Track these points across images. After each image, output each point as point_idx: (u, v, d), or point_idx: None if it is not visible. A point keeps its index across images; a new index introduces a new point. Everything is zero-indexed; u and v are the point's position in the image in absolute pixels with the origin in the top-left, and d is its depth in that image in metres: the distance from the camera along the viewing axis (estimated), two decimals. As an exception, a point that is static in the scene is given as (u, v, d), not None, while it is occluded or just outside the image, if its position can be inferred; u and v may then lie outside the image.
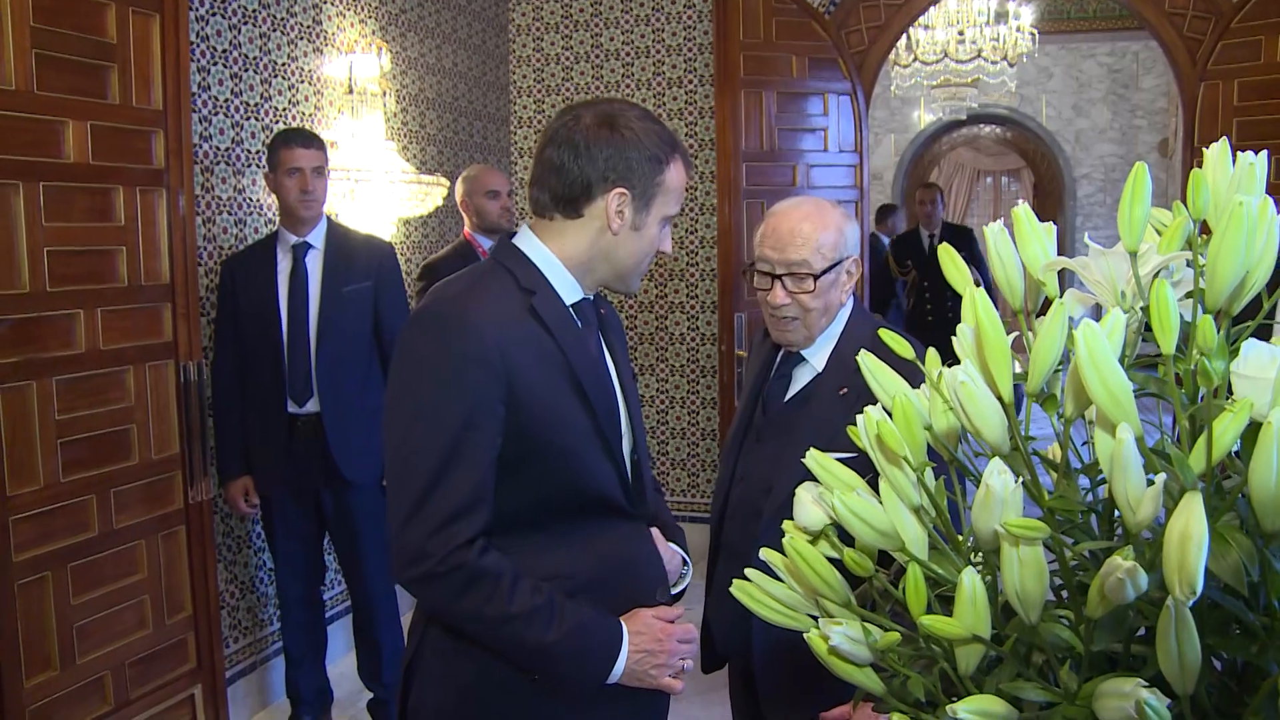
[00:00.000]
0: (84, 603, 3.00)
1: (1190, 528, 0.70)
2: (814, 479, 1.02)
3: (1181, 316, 0.86)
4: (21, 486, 2.80)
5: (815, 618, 1.00)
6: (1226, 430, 0.78)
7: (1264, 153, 0.96)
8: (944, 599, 0.95)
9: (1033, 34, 8.72)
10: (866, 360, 1.02)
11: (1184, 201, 0.93)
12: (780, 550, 1.01)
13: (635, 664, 1.70)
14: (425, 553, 1.58)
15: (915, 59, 8.46)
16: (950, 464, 1.00)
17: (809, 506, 1.03)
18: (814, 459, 1.00)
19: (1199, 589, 0.69)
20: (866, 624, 0.92)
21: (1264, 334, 0.89)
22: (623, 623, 1.71)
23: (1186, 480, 0.76)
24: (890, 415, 0.95)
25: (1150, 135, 11.29)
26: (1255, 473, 0.75)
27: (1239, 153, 0.94)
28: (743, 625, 2.08)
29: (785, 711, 2.03)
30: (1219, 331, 0.89)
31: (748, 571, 1.04)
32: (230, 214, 3.88)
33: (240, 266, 3.59)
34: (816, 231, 2.04)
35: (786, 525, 1.03)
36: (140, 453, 3.18)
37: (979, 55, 8.21)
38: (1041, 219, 1.05)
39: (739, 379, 5.09)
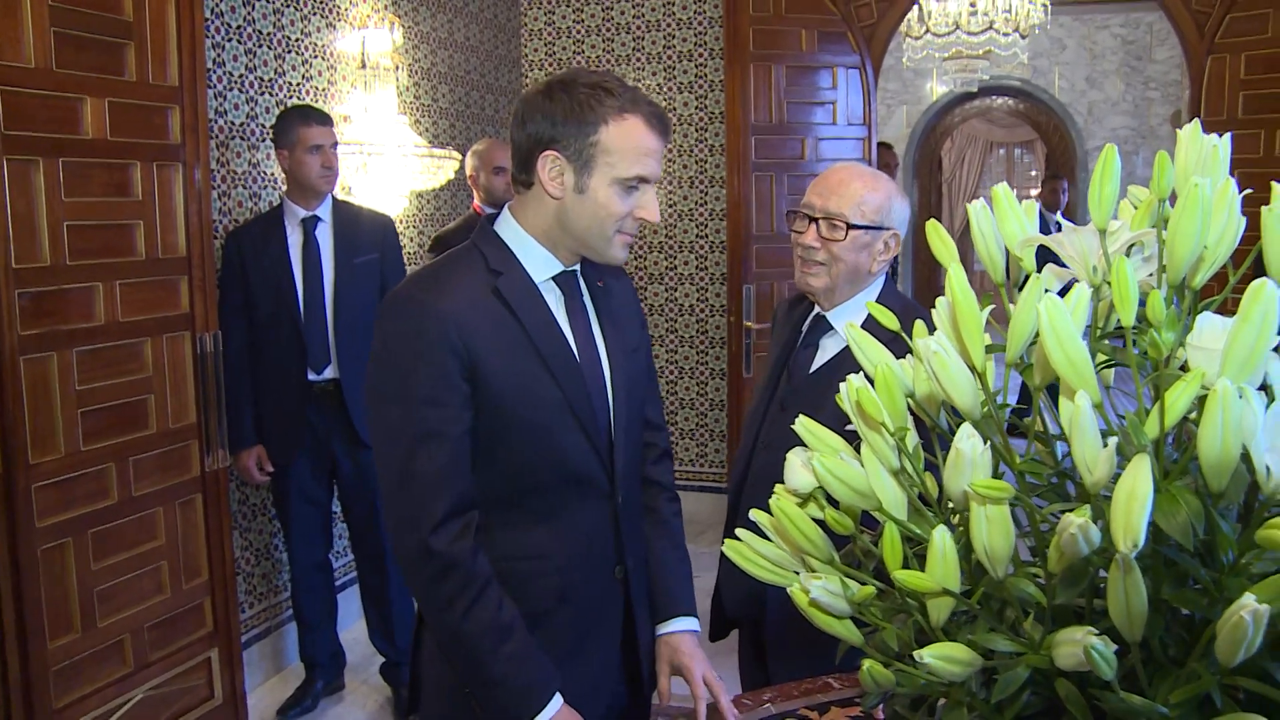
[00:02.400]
0: (104, 568, 3.07)
1: (1137, 486, 0.76)
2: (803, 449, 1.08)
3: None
4: (43, 455, 2.87)
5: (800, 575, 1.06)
6: (1179, 398, 0.83)
7: (1228, 134, 1.01)
8: (921, 558, 1.01)
9: (1045, 5, 8.68)
10: (851, 332, 1.08)
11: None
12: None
13: None
14: (403, 534, 1.67)
15: (927, 30, 8.43)
16: (932, 430, 1.06)
17: (799, 470, 1.08)
18: (802, 424, 1.05)
19: (1141, 542, 0.75)
20: (845, 578, 0.98)
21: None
22: (561, 702, 1.72)
23: (1137, 443, 0.81)
24: (873, 384, 1.01)
25: (1163, 107, 11.25)
26: (1203, 437, 0.80)
27: (1245, 127, 0.99)
28: (758, 589, 2.15)
29: (791, 671, 2.10)
30: (1181, 305, 0.94)
31: (738, 531, 1.10)
32: (245, 188, 3.94)
33: (249, 239, 3.65)
34: (864, 190, 2.11)
35: (776, 488, 1.08)
36: (158, 422, 3.25)
37: (991, 27, 8.17)
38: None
39: (747, 350, 5.14)
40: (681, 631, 1.94)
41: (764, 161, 5.25)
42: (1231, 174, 0.97)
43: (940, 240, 1.10)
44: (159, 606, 3.27)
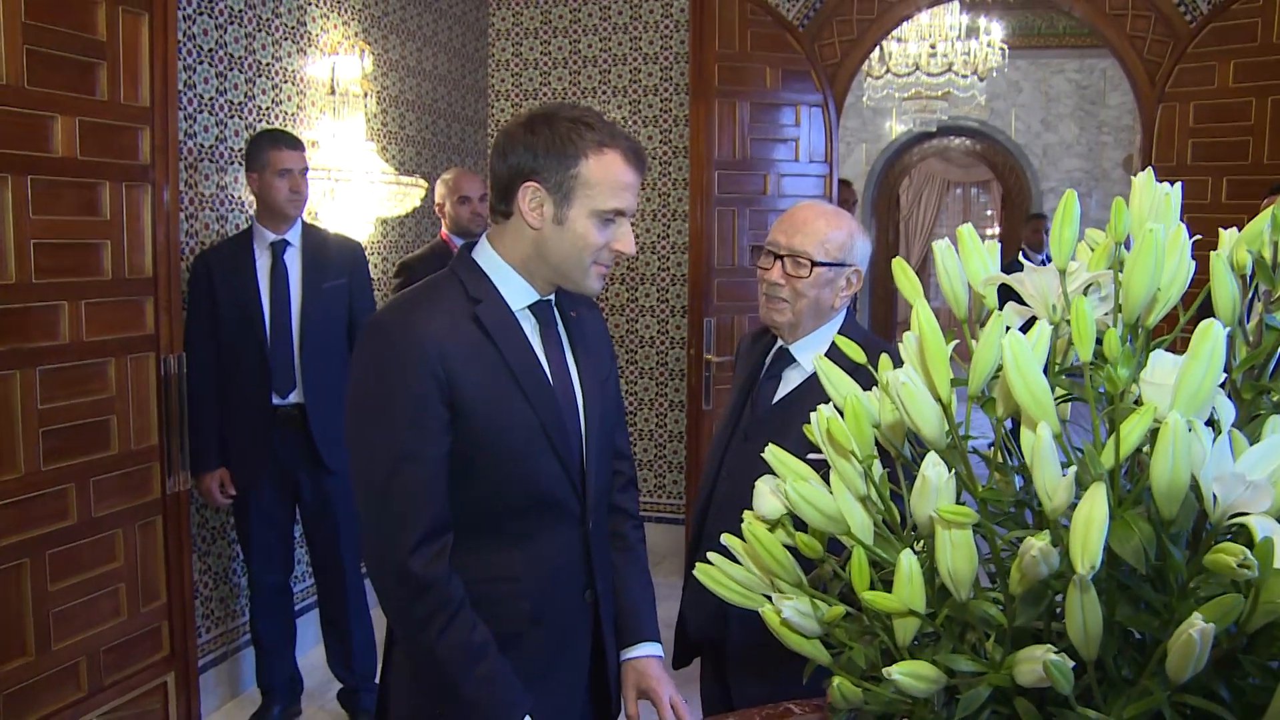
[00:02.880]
0: (61, 589, 3.05)
1: (1094, 512, 0.81)
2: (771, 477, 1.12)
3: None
4: (2, 474, 2.86)
5: (769, 597, 1.10)
6: (1133, 430, 0.88)
7: (1179, 183, 1.07)
8: (887, 582, 1.05)
9: (1003, 49, 8.88)
10: (821, 364, 1.12)
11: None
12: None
13: None
14: (380, 555, 1.70)
15: (888, 70, 8.60)
16: (897, 460, 1.11)
17: (767, 497, 1.12)
18: (772, 453, 1.10)
19: (1098, 564, 0.80)
20: (815, 600, 1.02)
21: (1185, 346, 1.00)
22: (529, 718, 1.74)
23: (1094, 472, 0.86)
24: (842, 415, 1.05)
25: (1116, 151, 11.50)
26: (1155, 467, 0.85)
27: (1193, 174, 1.05)
28: (720, 614, 2.19)
29: (753, 695, 2.13)
30: (1135, 343, 1.00)
31: (710, 555, 1.14)
32: (212, 210, 3.95)
33: (218, 262, 3.64)
34: (828, 228, 2.18)
35: (746, 515, 1.12)
36: (120, 443, 3.24)
37: (950, 69, 8.36)
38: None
39: (707, 383, 5.19)
40: (647, 656, 1.98)
41: (727, 196, 5.32)
42: (1182, 219, 1.03)
43: (906, 278, 1.15)
44: (116, 629, 3.25)
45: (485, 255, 1.82)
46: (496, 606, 1.76)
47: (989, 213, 16.85)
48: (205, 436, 3.61)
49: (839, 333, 2.22)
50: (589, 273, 1.78)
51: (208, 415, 3.62)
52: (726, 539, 1.13)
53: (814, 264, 2.15)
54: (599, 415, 1.88)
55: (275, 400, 3.61)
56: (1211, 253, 1.01)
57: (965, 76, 8.42)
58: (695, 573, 1.14)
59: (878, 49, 7.79)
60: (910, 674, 0.90)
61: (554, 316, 1.87)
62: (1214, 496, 0.87)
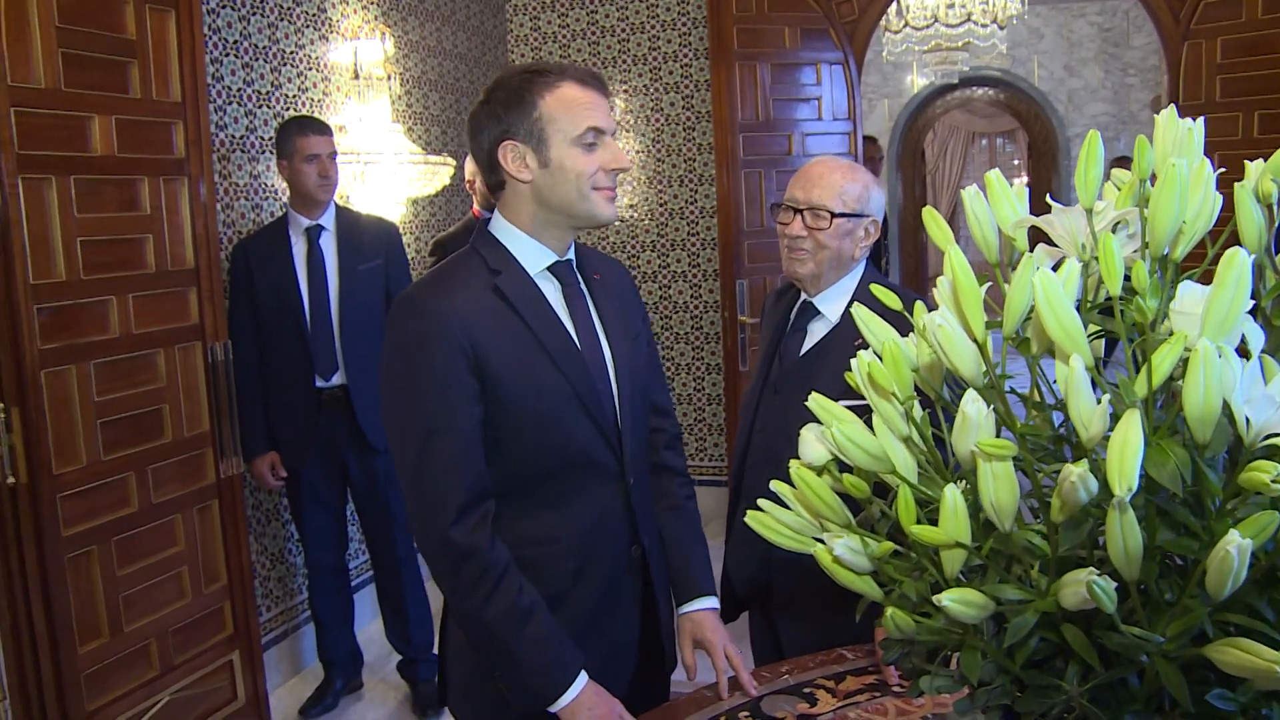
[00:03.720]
0: (128, 574, 3.15)
1: (1129, 436, 0.85)
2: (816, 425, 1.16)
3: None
4: (66, 465, 2.95)
5: (820, 541, 1.14)
6: (1165, 359, 0.92)
7: (1201, 119, 1.10)
8: (933, 520, 1.09)
9: (1022, -4, 8.79)
10: (859, 311, 1.16)
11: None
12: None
13: (576, 715, 1.77)
14: (423, 527, 1.77)
15: (906, 24, 8.53)
16: (937, 403, 1.15)
17: (813, 444, 1.17)
18: (815, 401, 1.14)
19: (1134, 486, 0.84)
20: (864, 538, 1.07)
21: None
22: (586, 678, 1.80)
23: (1127, 400, 0.90)
24: (881, 359, 1.09)
25: (1143, 93, 11.36)
26: (1187, 393, 0.89)
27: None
28: (764, 566, 2.25)
29: (803, 643, 2.19)
30: (1164, 276, 1.03)
31: (760, 503, 1.18)
32: (247, 199, 4.02)
33: (255, 250, 3.72)
34: (844, 180, 2.23)
35: (793, 463, 1.17)
36: (173, 431, 3.32)
37: (969, 19, 8.27)
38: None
39: (742, 344, 5.23)
40: (703, 609, 2.03)
41: (752, 158, 5.33)
42: (1210, 156, 1.06)
43: (936, 225, 1.19)
44: (181, 611, 3.35)
45: (499, 226, 1.88)
46: (542, 568, 1.81)
47: (1015, 162, 16.72)
48: (253, 421, 3.69)
49: (872, 283, 2.26)
50: (593, 200, 1.81)
51: (254, 400, 3.70)
52: (776, 485, 1.18)
53: (833, 216, 2.21)
54: (630, 373, 1.92)
55: (319, 383, 3.69)
56: (1236, 184, 1.04)
57: (985, 26, 8.33)
58: (747, 520, 1.18)
59: (895, 3, 7.73)
60: (960, 601, 0.95)
61: (575, 277, 1.91)
62: (1246, 420, 0.90)
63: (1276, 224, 1.07)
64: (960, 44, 9.15)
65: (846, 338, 2.20)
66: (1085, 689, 1.00)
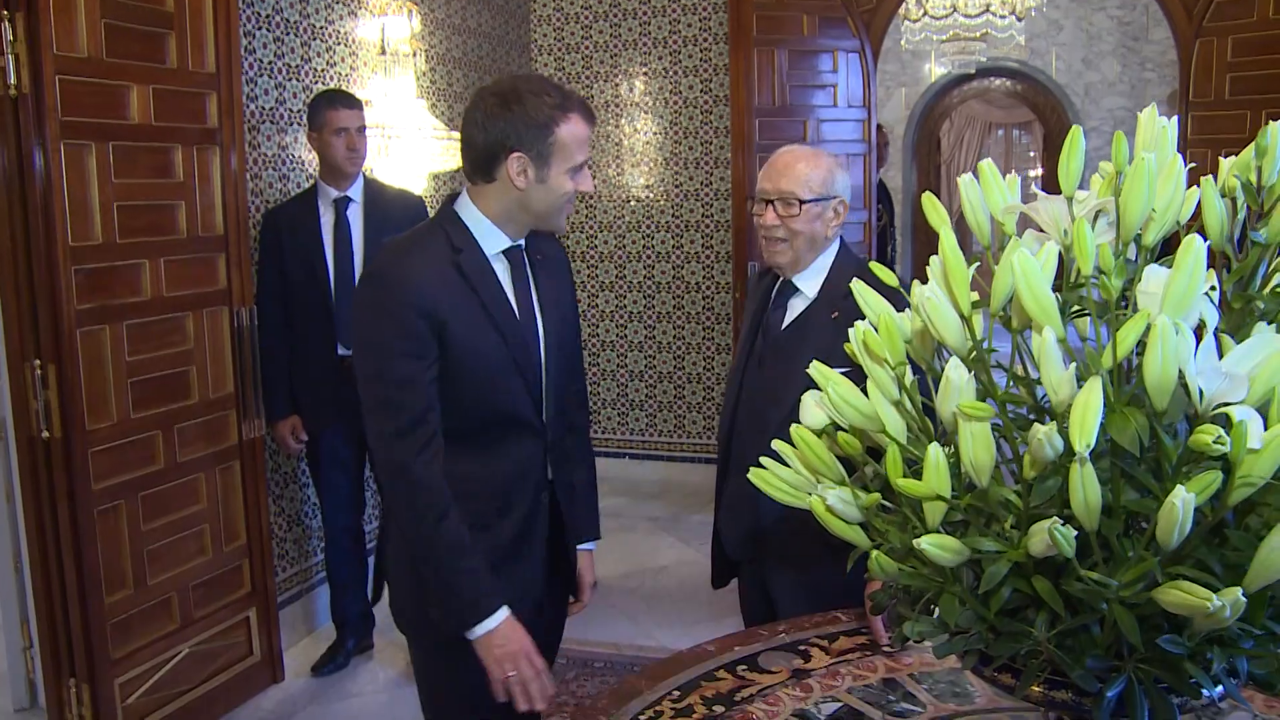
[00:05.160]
0: (153, 529, 3.28)
1: (1090, 399, 0.95)
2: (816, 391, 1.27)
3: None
4: (98, 422, 3.07)
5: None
6: (1129, 334, 1.02)
7: (1174, 118, 1.20)
8: (919, 477, 1.19)
9: (1042, -12, 8.83)
10: (858, 286, 1.26)
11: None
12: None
13: (486, 649, 2.02)
14: (386, 458, 2.02)
15: (925, 13, 8.59)
16: (928, 373, 1.25)
17: (812, 409, 1.27)
18: (816, 367, 1.24)
19: (1092, 442, 0.94)
20: (855, 491, 1.17)
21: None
22: (505, 613, 2.03)
23: (1092, 368, 1.00)
24: (876, 330, 1.20)
25: (1160, 88, 11.37)
26: (1147, 364, 0.99)
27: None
28: (755, 531, 2.38)
29: (794, 597, 2.32)
30: (1139, 259, 1.13)
31: (762, 460, 1.29)
32: (274, 170, 4.12)
33: (284, 219, 3.83)
34: (808, 169, 2.39)
35: (794, 427, 1.27)
36: (199, 392, 3.45)
37: (987, 9, 8.33)
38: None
39: (752, 326, 5.32)
40: (585, 550, 2.40)
41: (767, 143, 5.41)
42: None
43: (934, 209, 1.29)
44: (202, 567, 3.48)
45: (467, 210, 2.12)
46: (472, 501, 2.07)
47: (1031, 154, 16.72)
48: (276, 385, 3.81)
49: (834, 260, 2.45)
50: (562, 213, 2.13)
51: (278, 365, 3.81)
52: (777, 444, 1.28)
53: (802, 203, 2.36)
54: (557, 343, 2.20)
55: (341, 350, 3.80)
56: (1203, 178, 1.14)
57: (1003, 17, 8.39)
58: (750, 477, 1.29)
59: (914, -8, 7.81)
60: (936, 545, 1.05)
61: (523, 260, 2.17)
62: (1200, 390, 1.01)
63: (1241, 215, 1.17)
64: (978, 34, 9.21)
65: (823, 311, 2.39)
66: (1052, 634, 1.10)
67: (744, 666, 1.89)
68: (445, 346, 2.01)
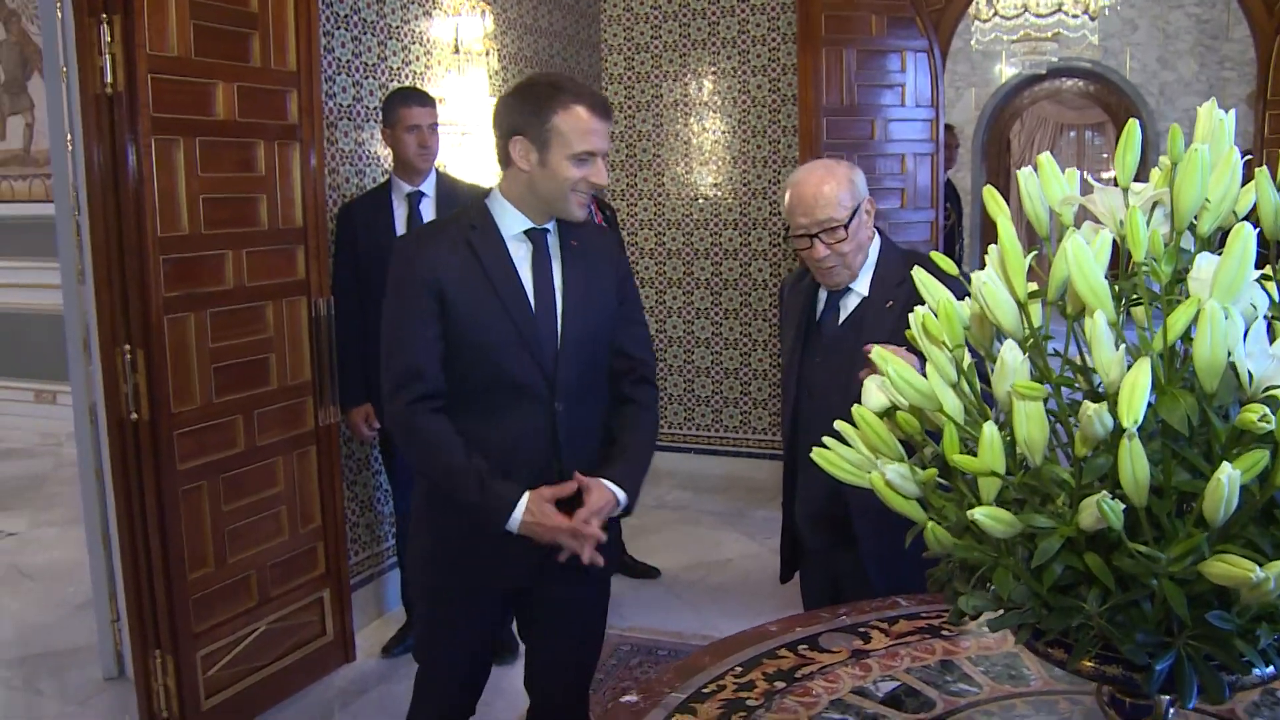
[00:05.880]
0: (233, 510, 3.40)
1: (1138, 378, 0.99)
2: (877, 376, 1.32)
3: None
4: (183, 405, 3.20)
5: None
6: (1179, 319, 1.06)
7: (1233, 110, 1.23)
8: (975, 456, 1.24)
9: (1116, -13, 8.74)
10: (918, 274, 1.31)
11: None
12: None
13: (527, 529, 2.22)
14: (392, 407, 2.26)
15: (995, 13, 8.54)
16: (986, 359, 1.29)
17: (874, 393, 1.33)
18: (876, 350, 1.30)
19: (1139, 419, 0.98)
20: (913, 467, 1.22)
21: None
22: (524, 499, 2.21)
23: (1142, 350, 1.04)
24: (935, 315, 1.24)
25: (1240, 87, 11.15)
26: (1197, 347, 1.03)
27: None
28: (837, 507, 2.47)
29: (892, 583, 2.35)
30: (1195, 247, 1.17)
31: (825, 440, 1.34)
32: (351, 165, 4.24)
33: (360, 212, 3.94)
34: (835, 190, 2.42)
35: (856, 408, 1.33)
36: (278, 379, 3.57)
37: (1059, 9, 8.26)
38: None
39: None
40: (602, 481, 2.31)
41: (835, 142, 5.44)
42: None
43: (994, 201, 1.33)
44: (279, 548, 3.60)
45: (494, 194, 2.32)
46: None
47: (1104, 155, 16.48)
48: (352, 374, 3.91)
49: (879, 254, 2.51)
50: (569, 201, 2.24)
51: (354, 354, 3.92)
52: (839, 425, 1.33)
53: (844, 225, 2.40)
54: (582, 321, 2.31)
55: (414, 340, 3.90)
56: (1258, 169, 1.18)
57: (1076, 16, 8.32)
58: (814, 456, 1.34)
59: (985, -8, 7.77)
60: (989, 516, 1.10)
61: (547, 243, 2.31)
62: (1249, 373, 1.04)
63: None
64: (1050, 34, 9.13)
65: (878, 303, 2.46)
66: (1103, 609, 1.14)
67: (805, 646, 1.94)
68: (449, 314, 2.21)
